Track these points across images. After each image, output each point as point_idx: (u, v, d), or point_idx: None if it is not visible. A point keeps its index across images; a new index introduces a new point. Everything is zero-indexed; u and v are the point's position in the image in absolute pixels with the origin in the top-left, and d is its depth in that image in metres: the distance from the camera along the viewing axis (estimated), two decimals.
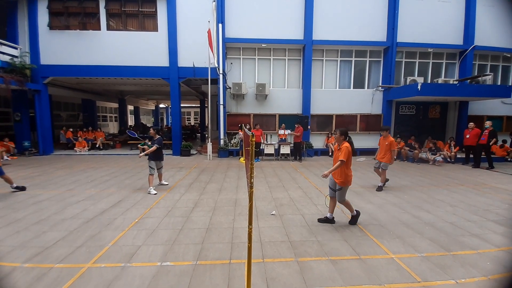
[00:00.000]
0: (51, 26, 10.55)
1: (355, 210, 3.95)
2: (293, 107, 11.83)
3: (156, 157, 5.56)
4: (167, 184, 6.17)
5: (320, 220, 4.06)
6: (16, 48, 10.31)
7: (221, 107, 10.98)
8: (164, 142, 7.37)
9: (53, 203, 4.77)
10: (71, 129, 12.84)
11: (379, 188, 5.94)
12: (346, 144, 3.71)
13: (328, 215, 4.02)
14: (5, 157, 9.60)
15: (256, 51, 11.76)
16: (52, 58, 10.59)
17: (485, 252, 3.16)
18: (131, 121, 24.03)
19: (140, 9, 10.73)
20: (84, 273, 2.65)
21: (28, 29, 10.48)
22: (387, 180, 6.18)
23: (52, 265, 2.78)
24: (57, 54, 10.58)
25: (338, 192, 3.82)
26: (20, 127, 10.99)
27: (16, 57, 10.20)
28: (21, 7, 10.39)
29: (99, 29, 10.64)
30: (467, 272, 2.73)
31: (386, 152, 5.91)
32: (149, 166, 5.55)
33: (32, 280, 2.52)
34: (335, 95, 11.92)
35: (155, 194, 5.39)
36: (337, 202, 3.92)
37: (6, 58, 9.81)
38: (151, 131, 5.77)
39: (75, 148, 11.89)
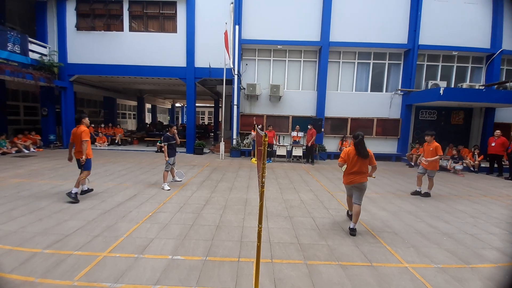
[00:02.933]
0: (78, 27, 11.14)
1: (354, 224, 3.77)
2: (307, 109, 11.73)
3: (169, 153, 5.74)
4: (181, 181, 6.32)
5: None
6: (45, 47, 10.97)
7: (235, 107, 11.08)
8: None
9: None
10: (93, 125, 13.45)
11: (426, 194, 5.85)
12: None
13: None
14: (32, 149, 10.23)
15: (272, 53, 11.78)
16: (78, 57, 11.17)
17: (506, 266, 2.98)
18: (148, 119, 24.80)
19: (160, 11, 11.09)
20: (100, 261, 2.77)
21: (57, 29, 11.12)
22: (423, 193, 5.96)
23: (71, 252, 2.93)
24: (82, 54, 11.15)
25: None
26: (47, 121, 11.66)
27: (45, 55, 10.86)
28: (50, 8, 11.05)
29: (122, 30, 11.11)
30: (484, 286, 2.59)
31: (431, 158, 5.66)
32: (167, 163, 5.73)
33: (51, 265, 2.66)
34: (351, 98, 11.68)
35: (169, 190, 5.53)
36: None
37: (36, 56, 10.47)
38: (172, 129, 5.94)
39: (95, 143, 12.44)
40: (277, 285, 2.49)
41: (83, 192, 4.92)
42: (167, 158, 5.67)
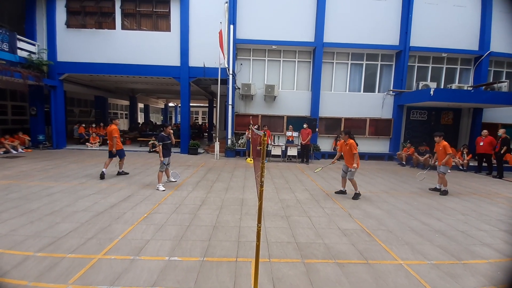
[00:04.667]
0: (68, 24, 10.88)
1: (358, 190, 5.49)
2: (302, 109, 11.80)
3: (164, 153, 5.66)
4: (175, 181, 6.26)
5: (336, 192, 5.78)
6: (34, 45, 10.67)
7: (230, 107, 11.05)
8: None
9: (66, 196, 4.91)
10: (84, 125, 13.17)
11: (444, 192, 6.14)
12: (351, 140, 5.46)
13: (342, 189, 5.80)
14: (20, 150, 9.94)
15: (266, 53, 11.80)
16: (68, 55, 10.91)
17: (496, 262, 3.08)
18: (141, 118, 24.45)
19: (154, 10, 10.95)
20: (95, 264, 2.72)
21: (46, 27, 10.84)
22: (441, 190, 6.23)
23: (64, 255, 2.86)
24: (73, 52, 10.90)
25: (349, 172, 5.51)
26: (36, 121, 11.35)
27: (34, 53, 10.56)
28: (40, 5, 10.76)
29: (114, 28, 10.91)
30: (477, 281, 2.67)
31: (442, 156, 6.05)
32: (162, 163, 5.64)
33: (44, 268, 2.60)
34: (344, 98, 11.82)
35: (163, 190, 5.47)
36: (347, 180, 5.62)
37: (24, 54, 10.17)
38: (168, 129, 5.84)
39: (87, 143, 12.18)
40: (275, 284, 2.50)
41: (119, 174, 6.80)
42: (162, 158, 5.60)
